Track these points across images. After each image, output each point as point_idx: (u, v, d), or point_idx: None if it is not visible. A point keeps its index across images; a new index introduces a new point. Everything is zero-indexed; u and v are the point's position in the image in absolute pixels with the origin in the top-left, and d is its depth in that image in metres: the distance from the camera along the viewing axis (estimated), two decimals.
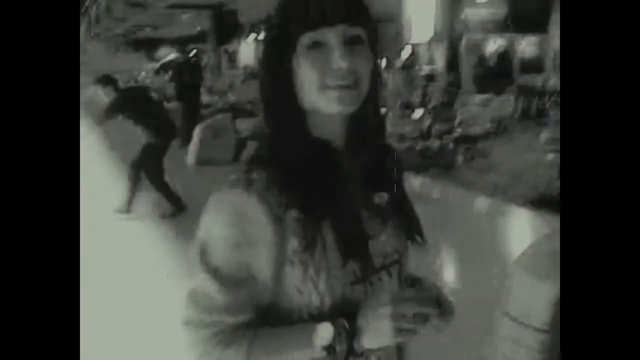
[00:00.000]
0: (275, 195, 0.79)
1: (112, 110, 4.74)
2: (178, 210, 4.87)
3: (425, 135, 7.33)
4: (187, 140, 7.75)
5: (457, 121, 7.59)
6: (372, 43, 0.83)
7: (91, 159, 5.17)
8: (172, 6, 14.66)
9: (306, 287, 0.82)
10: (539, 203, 5.34)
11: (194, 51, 15.65)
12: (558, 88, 10.00)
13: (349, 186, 0.86)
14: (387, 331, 0.77)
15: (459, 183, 6.06)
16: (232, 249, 0.80)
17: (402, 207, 0.93)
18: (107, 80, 4.85)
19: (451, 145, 7.10)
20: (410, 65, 14.32)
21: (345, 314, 0.81)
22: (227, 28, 16.21)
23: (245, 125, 7.21)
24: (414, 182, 5.73)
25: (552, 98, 9.72)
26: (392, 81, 13.08)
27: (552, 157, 6.01)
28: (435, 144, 6.99)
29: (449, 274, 3.91)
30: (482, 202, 5.49)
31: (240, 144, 7.02)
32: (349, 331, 0.79)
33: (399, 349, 0.94)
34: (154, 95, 5.43)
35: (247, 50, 19.29)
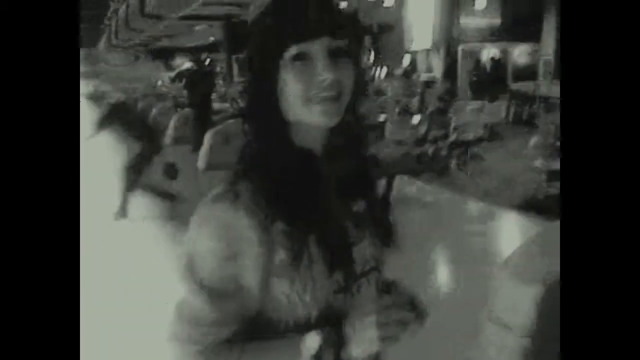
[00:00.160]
0: (262, 207, 0.77)
1: (102, 123, 5.03)
2: (170, 200, 5.01)
3: (421, 140, 7.30)
4: (198, 145, 7.75)
5: (451, 127, 7.55)
6: (355, 55, 0.81)
7: (91, 164, 5.24)
8: (186, 17, 14.70)
9: (292, 298, 0.80)
10: (527, 207, 5.32)
11: (208, 60, 15.68)
12: (549, 94, 9.96)
13: (331, 195, 0.83)
14: (373, 339, 0.76)
15: (452, 187, 6.03)
16: (220, 262, 0.78)
17: (379, 215, 0.91)
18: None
19: (445, 150, 7.06)
20: (409, 72, 14.28)
21: (330, 322, 0.79)
22: (238, 38, 16.24)
23: None
24: (409, 186, 5.71)
25: (542, 104, 9.66)
26: (391, 88, 13.05)
27: (541, 162, 5.96)
28: (430, 149, 6.95)
29: (440, 276, 3.90)
30: (473, 206, 5.46)
31: None
32: (336, 340, 0.78)
33: (376, 357, 0.92)
34: (139, 108, 5.76)
35: None
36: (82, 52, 21.90)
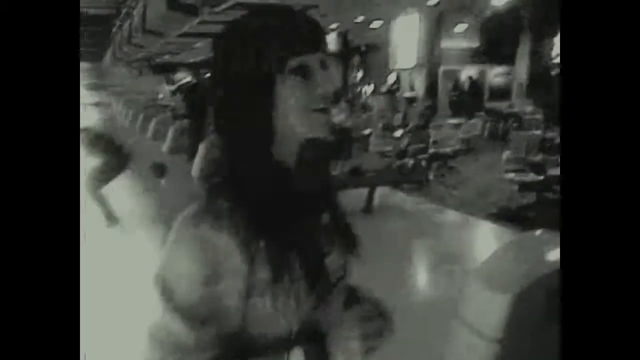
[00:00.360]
0: (242, 225, 0.70)
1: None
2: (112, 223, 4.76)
3: (403, 153, 7.30)
4: (192, 155, 7.70)
5: (431, 141, 7.56)
6: (342, 70, 0.79)
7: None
8: (185, 34, 14.70)
9: (274, 315, 0.73)
10: (500, 216, 5.32)
11: (207, 75, 15.64)
12: (521, 112, 10.11)
13: (304, 209, 0.78)
14: (356, 351, 0.73)
15: (430, 197, 6.02)
16: (200, 285, 0.70)
17: (343, 225, 0.86)
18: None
19: (425, 163, 7.08)
20: (394, 90, 14.38)
21: (309, 335, 0.74)
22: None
23: None
24: (391, 197, 5.68)
25: (515, 122, 9.77)
26: (377, 104, 13.10)
27: (512, 175, 5.97)
28: (410, 161, 6.96)
29: (416, 282, 3.86)
30: (450, 215, 5.44)
31: None
32: (320, 356, 0.73)
33: None
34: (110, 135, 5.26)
35: None
36: (88, 66, 21.81)
